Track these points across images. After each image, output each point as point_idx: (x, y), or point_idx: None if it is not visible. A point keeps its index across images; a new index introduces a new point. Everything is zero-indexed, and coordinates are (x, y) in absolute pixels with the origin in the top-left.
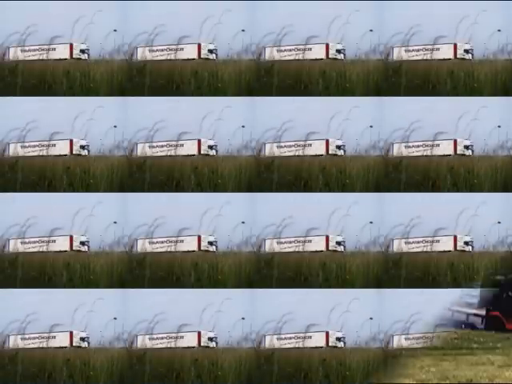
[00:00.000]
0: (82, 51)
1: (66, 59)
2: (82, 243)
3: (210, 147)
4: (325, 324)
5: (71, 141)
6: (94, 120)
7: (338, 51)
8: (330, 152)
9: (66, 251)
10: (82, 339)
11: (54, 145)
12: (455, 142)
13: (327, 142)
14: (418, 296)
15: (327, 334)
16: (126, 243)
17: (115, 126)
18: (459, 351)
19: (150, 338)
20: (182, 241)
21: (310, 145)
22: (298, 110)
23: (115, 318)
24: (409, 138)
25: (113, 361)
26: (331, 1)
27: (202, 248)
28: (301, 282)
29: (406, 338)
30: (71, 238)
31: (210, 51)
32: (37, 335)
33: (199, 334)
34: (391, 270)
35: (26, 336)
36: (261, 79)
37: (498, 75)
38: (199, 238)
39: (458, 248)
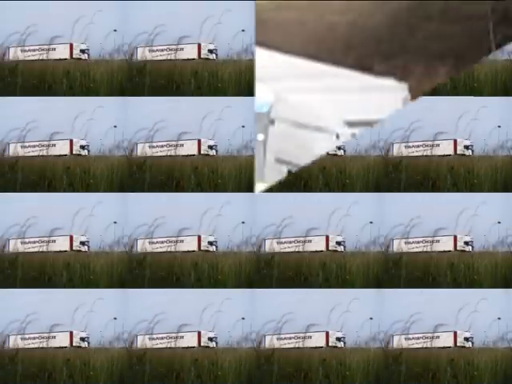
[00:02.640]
0: (82, 51)
1: (66, 59)
2: (82, 243)
3: (210, 147)
4: (325, 324)
5: (71, 141)
6: (94, 120)
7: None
8: (330, 152)
9: (66, 251)
10: (82, 339)
11: (54, 145)
12: (455, 142)
13: None
14: (417, 296)
15: (327, 334)
16: (126, 243)
17: (115, 126)
18: None
19: (149, 338)
20: (182, 241)
21: None
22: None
23: (115, 318)
24: (409, 138)
25: (113, 361)
26: None
27: (202, 248)
28: (301, 282)
29: (405, 338)
30: (71, 237)
31: (210, 51)
32: (37, 335)
33: (199, 333)
34: (391, 270)
35: (26, 336)
36: None
37: (498, 75)
38: (199, 237)
39: (458, 248)
